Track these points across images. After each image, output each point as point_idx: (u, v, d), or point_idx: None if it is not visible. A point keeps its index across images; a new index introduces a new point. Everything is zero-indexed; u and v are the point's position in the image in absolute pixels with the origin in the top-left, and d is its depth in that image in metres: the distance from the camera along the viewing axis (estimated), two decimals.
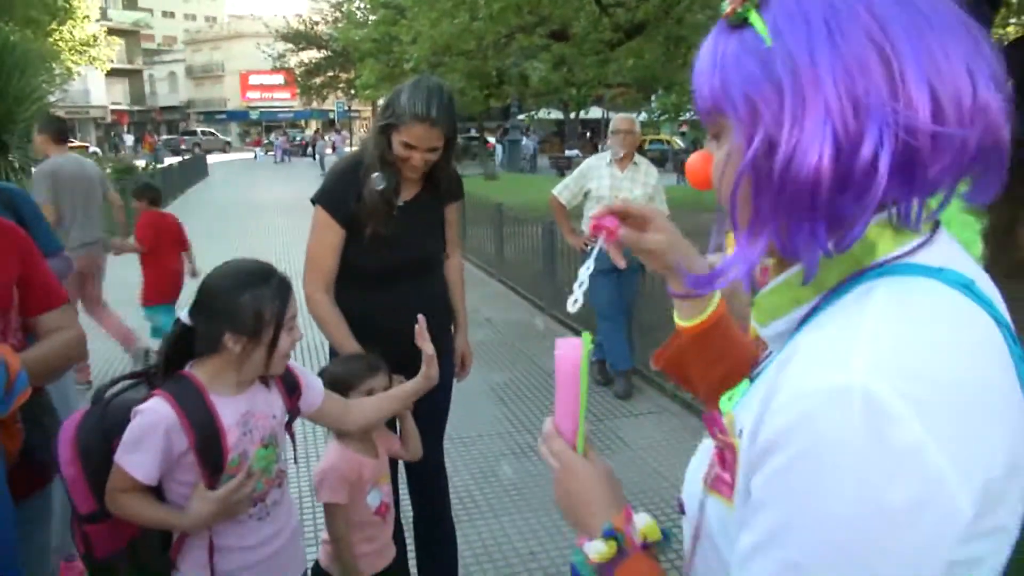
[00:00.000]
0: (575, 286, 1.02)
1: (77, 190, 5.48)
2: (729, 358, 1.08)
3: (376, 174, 2.47)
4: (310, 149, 41.18)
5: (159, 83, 65.64)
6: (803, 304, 0.77)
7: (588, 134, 30.94)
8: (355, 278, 2.55)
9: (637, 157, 5.30)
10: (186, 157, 31.09)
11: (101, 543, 1.80)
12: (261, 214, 15.90)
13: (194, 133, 51.72)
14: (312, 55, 39.73)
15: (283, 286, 1.82)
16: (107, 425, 1.76)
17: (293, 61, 40.73)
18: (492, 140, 33.27)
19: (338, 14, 36.10)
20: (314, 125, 56.54)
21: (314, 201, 2.57)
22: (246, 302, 1.75)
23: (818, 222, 0.70)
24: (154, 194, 5.98)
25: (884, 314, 0.68)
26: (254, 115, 59.78)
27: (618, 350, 5.37)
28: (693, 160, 0.94)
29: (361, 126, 52.56)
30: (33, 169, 5.98)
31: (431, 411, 2.64)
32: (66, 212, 5.39)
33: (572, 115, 32.72)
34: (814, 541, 0.64)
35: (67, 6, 23.71)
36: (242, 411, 1.82)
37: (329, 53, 38.38)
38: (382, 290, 2.56)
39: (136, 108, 60.84)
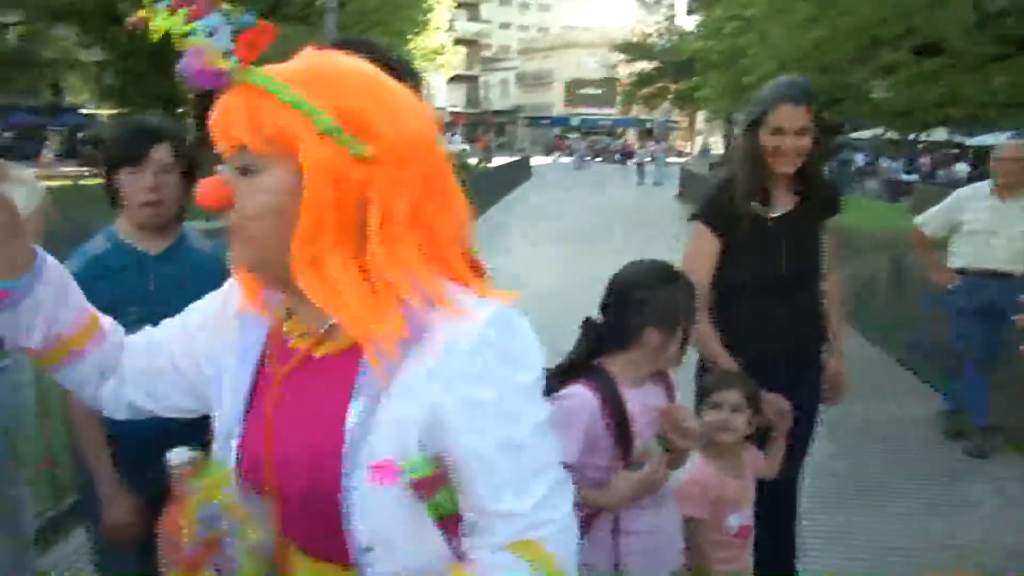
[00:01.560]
0: None
1: None
2: None
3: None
4: (621, 156, 41.93)
5: (492, 88, 70.77)
6: None
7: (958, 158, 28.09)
8: (726, 293, 2.55)
9: None
10: (515, 159, 33.12)
11: None
12: (583, 217, 16.46)
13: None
14: (644, 66, 40.47)
15: (690, 284, 1.98)
16: None
17: (624, 71, 41.79)
18: None
19: (671, 26, 36.43)
20: (631, 133, 57.54)
21: (694, 217, 2.62)
22: (666, 298, 1.90)
23: None
24: None
25: None
26: (575, 121, 62.20)
27: (981, 402, 4.80)
28: None
29: (678, 137, 52.52)
30: None
31: (791, 434, 2.55)
32: None
33: (912, 136, 29.96)
34: None
35: (426, 20, 26.35)
36: (643, 402, 1.93)
37: (661, 64, 38.86)
38: (753, 306, 2.53)
39: (470, 111, 66.33)
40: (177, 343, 1.21)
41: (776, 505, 2.74)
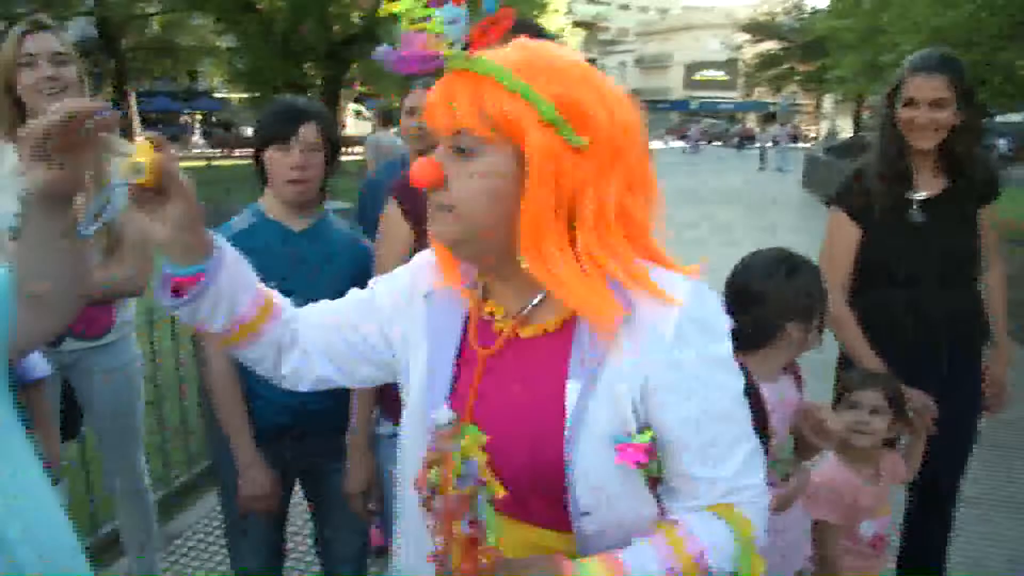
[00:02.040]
0: None
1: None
2: None
3: None
4: (739, 141, 40.78)
5: (609, 72, 69.44)
6: None
7: None
8: (868, 284, 2.40)
9: None
10: None
11: None
12: (701, 205, 16.07)
13: None
14: (770, 46, 39.14)
15: (815, 267, 1.91)
16: None
17: (749, 53, 40.53)
18: None
19: (800, 4, 35.04)
20: (752, 118, 55.87)
21: (829, 202, 2.49)
22: (799, 288, 1.84)
23: None
24: None
25: None
26: (694, 105, 60.92)
27: None
28: None
29: (802, 121, 50.63)
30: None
31: (948, 436, 2.37)
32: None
33: None
34: None
35: (545, 3, 26.28)
36: (778, 397, 1.87)
37: (788, 44, 37.47)
38: (897, 296, 2.37)
39: None
40: (363, 318, 1.25)
41: (930, 516, 2.58)
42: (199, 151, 29.06)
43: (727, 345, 1.06)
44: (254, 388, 2.04)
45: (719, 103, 60.43)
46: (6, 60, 2.30)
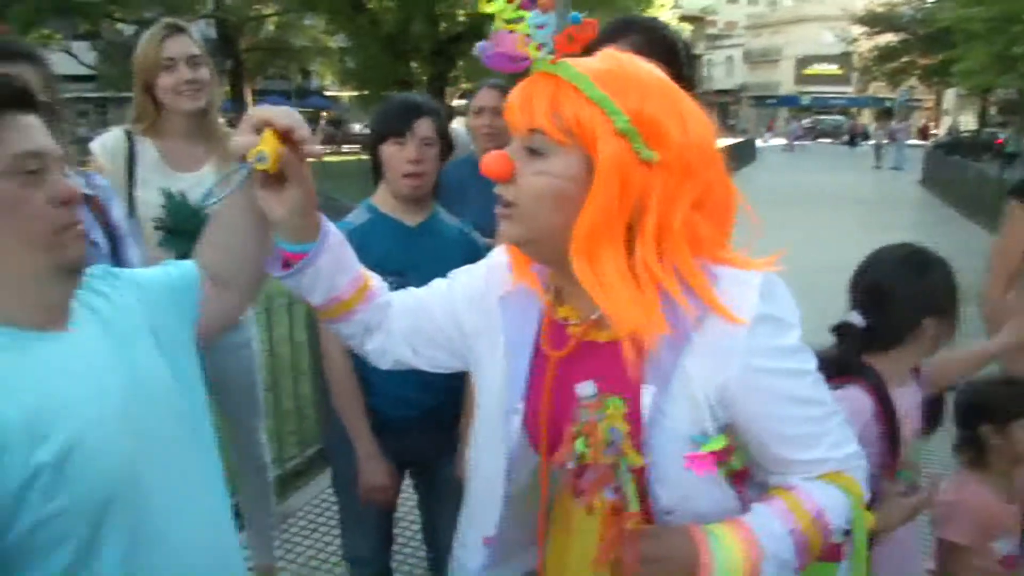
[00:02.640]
0: None
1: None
2: None
3: None
4: (850, 138, 39.21)
5: (716, 67, 68.56)
6: None
7: None
8: None
9: None
10: (738, 140, 32.01)
11: None
12: (814, 205, 15.54)
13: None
14: (888, 39, 37.46)
15: (944, 261, 1.84)
16: None
17: (865, 46, 38.90)
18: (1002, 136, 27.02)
19: None
20: (866, 114, 53.65)
21: (1012, 193, 2.43)
22: (938, 281, 1.78)
23: None
24: None
25: None
26: (805, 100, 58.93)
27: None
28: None
29: (921, 116, 48.30)
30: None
31: None
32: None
33: None
34: None
35: None
36: (908, 402, 1.80)
37: (907, 37, 35.78)
38: None
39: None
40: (441, 307, 1.33)
41: None
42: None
43: (797, 332, 1.09)
44: (370, 382, 2.09)
45: (831, 98, 58.24)
46: (148, 62, 2.41)
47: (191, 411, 1.23)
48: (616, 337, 1.08)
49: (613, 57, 1.07)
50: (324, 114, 39.58)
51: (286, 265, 1.23)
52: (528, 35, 1.03)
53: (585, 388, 1.11)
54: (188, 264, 1.32)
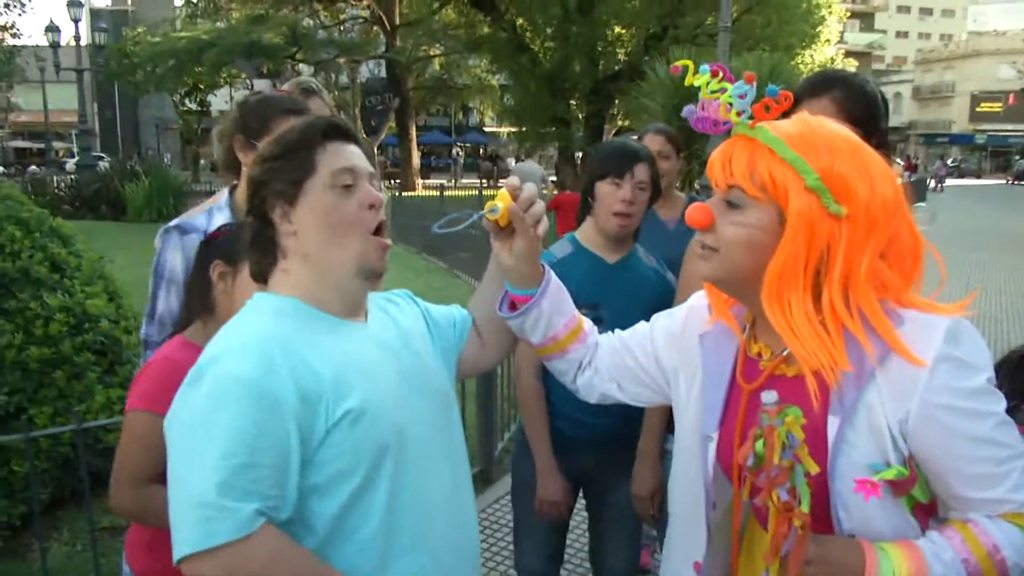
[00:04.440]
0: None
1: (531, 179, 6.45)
2: None
3: None
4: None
5: None
6: None
7: None
8: None
9: None
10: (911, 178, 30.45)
11: None
12: (996, 248, 14.62)
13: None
14: None
15: None
16: None
17: None
18: None
19: None
20: None
21: None
22: None
23: None
24: None
25: None
26: (980, 139, 55.39)
27: None
28: None
29: None
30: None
31: None
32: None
33: None
34: None
35: (816, 33, 25.26)
36: None
37: None
38: None
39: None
40: (641, 348, 1.49)
41: None
42: (468, 181, 31.10)
43: (985, 375, 1.13)
44: (555, 404, 2.26)
45: (1009, 137, 54.43)
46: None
47: (451, 399, 1.47)
48: (803, 372, 1.17)
49: (804, 121, 1.19)
50: (456, 150, 40.91)
51: (512, 307, 1.44)
52: (730, 103, 1.19)
53: (768, 396, 1.21)
54: (465, 311, 1.60)
